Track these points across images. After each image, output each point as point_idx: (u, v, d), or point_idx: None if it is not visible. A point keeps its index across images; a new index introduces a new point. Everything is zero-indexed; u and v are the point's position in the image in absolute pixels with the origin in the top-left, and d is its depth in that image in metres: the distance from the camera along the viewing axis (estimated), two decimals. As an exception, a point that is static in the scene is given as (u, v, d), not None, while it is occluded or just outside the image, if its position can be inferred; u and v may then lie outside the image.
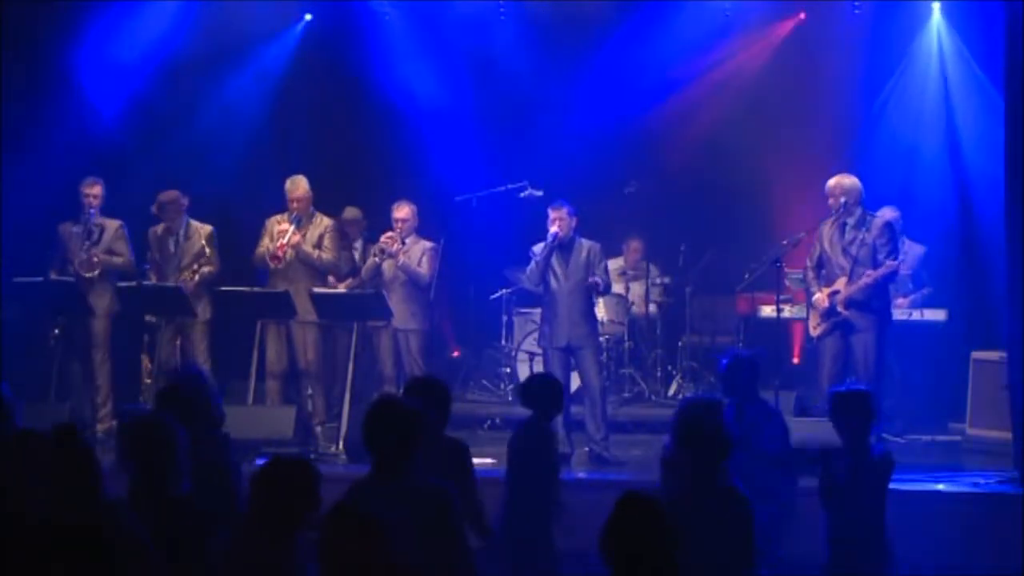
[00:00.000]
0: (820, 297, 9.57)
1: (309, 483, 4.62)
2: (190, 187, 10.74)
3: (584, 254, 9.99)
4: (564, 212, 9.96)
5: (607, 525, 4.12)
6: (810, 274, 9.77)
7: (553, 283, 9.98)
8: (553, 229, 9.92)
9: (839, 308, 9.45)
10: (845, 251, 9.55)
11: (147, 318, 10.59)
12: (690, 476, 5.52)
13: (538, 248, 10.08)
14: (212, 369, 10.45)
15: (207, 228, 10.61)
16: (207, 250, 10.52)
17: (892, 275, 9.68)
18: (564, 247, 9.97)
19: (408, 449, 5.10)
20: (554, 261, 9.97)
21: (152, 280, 10.44)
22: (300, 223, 10.41)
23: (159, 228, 10.58)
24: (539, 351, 10.89)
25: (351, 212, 11.53)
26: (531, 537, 6.77)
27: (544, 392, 7.17)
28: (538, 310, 10.85)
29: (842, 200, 9.51)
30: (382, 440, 5.10)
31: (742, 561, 5.32)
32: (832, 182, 9.58)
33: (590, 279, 9.90)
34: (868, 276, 9.43)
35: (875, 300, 9.56)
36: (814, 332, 9.67)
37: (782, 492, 7.17)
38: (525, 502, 6.87)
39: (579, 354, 9.89)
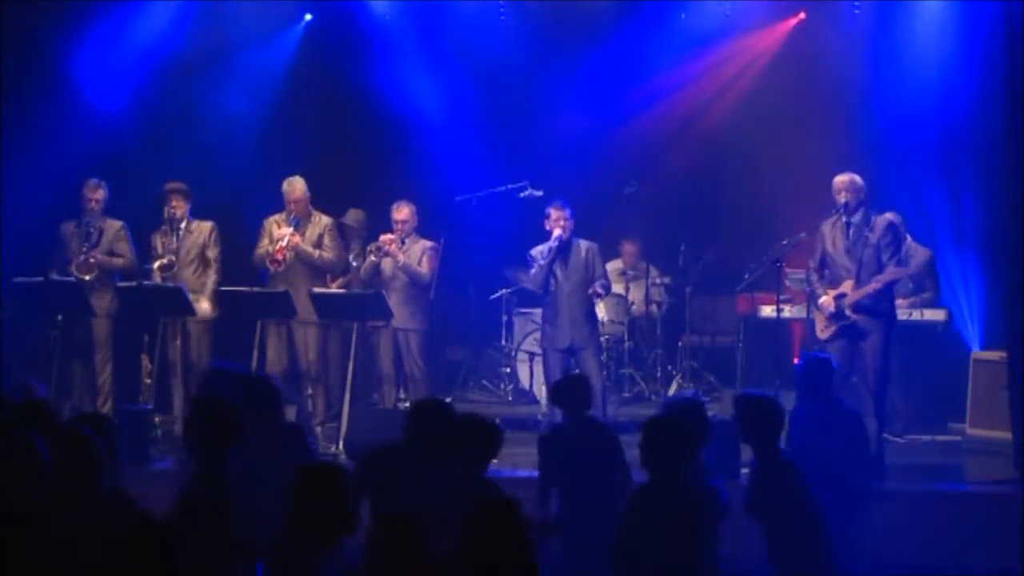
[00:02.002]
0: (826, 300, 9.48)
1: (344, 490, 4.54)
2: (191, 187, 10.73)
3: (583, 255, 10.01)
4: (567, 213, 9.97)
5: (464, 532, 4.06)
6: (813, 275, 9.67)
7: (553, 284, 9.98)
8: (557, 232, 9.91)
9: (847, 312, 9.40)
10: (849, 252, 9.49)
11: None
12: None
13: (536, 251, 10.08)
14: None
15: (208, 224, 10.62)
16: (210, 245, 10.54)
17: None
18: (563, 248, 9.98)
19: None
20: (556, 261, 9.98)
21: (155, 266, 10.42)
22: (299, 224, 10.41)
23: (159, 232, 10.57)
24: (539, 351, 10.91)
25: (355, 214, 11.51)
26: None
27: (574, 391, 7.27)
28: (538, 310, 10.86)
29: (845, 199, 9.47)
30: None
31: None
32: (839, 179, 9.54)
33: (590, 290, 9.92)
34: (876, 282, 9.38)
35: (881, 303, 9.50)
36: (822, 335, 9.61)
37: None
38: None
39: (580, 355, 9.90)
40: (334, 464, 4.75)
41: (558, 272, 9.98)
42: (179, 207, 10.52)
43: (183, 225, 10.54)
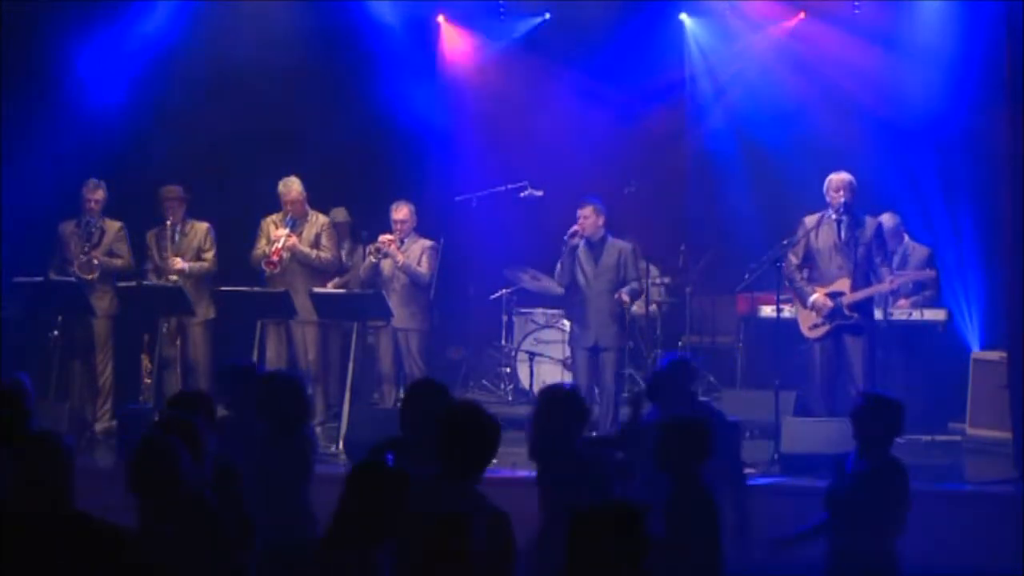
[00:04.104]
0: (820, 298, 9.50)
1: (401, 491, 4.53)
2: (190, 186, 10.75)
3: (616, 255, 9.94)
4: (589, 210, 9.92)
5: (573, 534, 4.03)
6: (797, 273, 9.69)
7: (582, 281, 9.93)
8: (573, 228, 9.90)
9: (846, 311, 9.40)
10: (843, 251, 9.50)
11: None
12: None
13: (574, 240, 10.05)
14: (212, 369, 10.49)
15: (204, 225, 10.63)
16: (205, 247, 10.55)
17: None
18: (594, 246, 9.93)
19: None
20: (584, 260, 9.93)
21: (153, 280, 10.45)
22: (295, 225, 10.42)
23: (155, 230, 10.60)
24: (539, 351, 10.91)
25: (338, 213, 11.51)
26: None
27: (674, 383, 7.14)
28: (539, 310, 10.86)
29: (842, 198, 9.47)
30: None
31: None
32: (834, 178, 9.55)
33: (616, 294, 9.83)
34: (892, 282, 9.41)
35: (870, 301, 9.57)
36: (811, 333, 9.61)
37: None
38: None
39: (603, 356, 9.85)
40: (390, 464, 4.73)
41: (588, 270, 9.92)
42: (174, 213, 10.54)
43: (179, 228, 10.56)
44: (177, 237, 10.55)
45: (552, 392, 6.40)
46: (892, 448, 6.25)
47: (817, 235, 9.56)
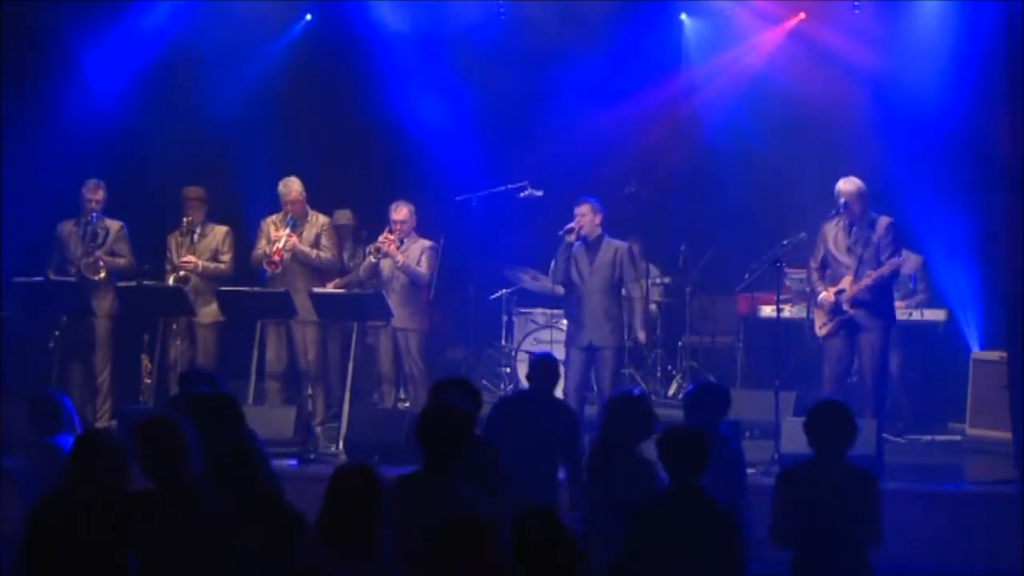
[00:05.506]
0: (826, 295, 9.51)
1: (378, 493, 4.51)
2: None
3: (612, 254, 9.94)
4: (586, 208, 9.93)
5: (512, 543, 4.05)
6: (815, 275, 9.69)
7: (576, 280, 9.93)
8: (568, 226, 9.92)
9: (845, 307, 9.42)
10: (850, 250, 9.52)
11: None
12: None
13: (570, 237, 10.07)
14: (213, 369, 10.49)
15: (224, 228, 10.63)
16: (223, 250, 10.55)
17: (894, 274, 9.65)
18: (591, 245, 9.93)
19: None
20: (580, 258, 9.94)
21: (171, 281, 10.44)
22: (295, 225, 10.41)
23: (176, 232, 10.59)
24: (539, 351, 10.84)
25: (342, 215, 11.50)
26: None
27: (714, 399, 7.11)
28: (538, 310, 10.82)
29: (842, 200, 9.48)
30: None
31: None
32: (843, 185, 9.53)
33: (636, 335, 9.99)
34: (868, 277, 9.40)
35: (881, 301, 9.52)
36: (820, 332, 9.63)
37: None
38: None
39: (600, 355, 9.85)
40: (370, 466, 4.71)
41: (583, 268, 9.93)
42: (195, 213, 10.53)
43: (197, 230, 10.56)
44: (195, 238, 10.54)
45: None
46: (850, 452, 6.19)
47: (832, 237, 9.59)
